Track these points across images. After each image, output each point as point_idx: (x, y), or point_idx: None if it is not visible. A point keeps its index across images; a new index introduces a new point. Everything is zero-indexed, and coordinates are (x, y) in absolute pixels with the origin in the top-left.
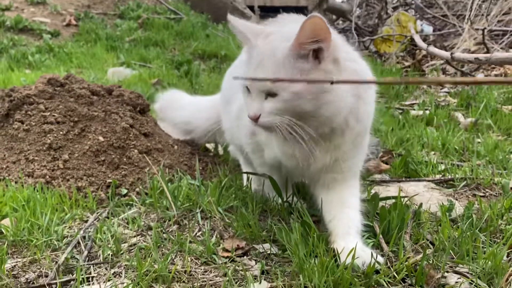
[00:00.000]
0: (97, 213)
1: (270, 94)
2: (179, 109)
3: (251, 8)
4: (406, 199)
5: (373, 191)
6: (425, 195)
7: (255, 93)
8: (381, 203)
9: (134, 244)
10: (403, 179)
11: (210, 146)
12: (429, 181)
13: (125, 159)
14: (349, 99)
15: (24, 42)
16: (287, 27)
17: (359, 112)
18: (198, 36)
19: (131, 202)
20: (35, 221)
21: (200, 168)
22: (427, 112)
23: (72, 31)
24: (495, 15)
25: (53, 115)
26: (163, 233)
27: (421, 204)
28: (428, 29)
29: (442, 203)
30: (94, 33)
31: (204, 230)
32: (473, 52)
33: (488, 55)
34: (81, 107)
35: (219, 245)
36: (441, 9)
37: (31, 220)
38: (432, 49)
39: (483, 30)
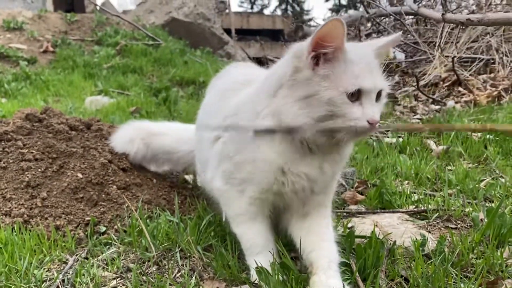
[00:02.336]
0: (76, 254)
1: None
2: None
3: (228, 31)
4: (381, 235)
5: (349, 225)
6: (400, 228)
7: (373, 98)
8: (357, 240)
9: (114, 287)
10: (378, 210)
11: (188, 177)
12: (403, 212)
13: (103, 196)
14: None
15: (0, 69)
16: None
17: None
18: (176, 62)
19: (109, 241)
20: (13, 265)
21: (179, 202)
22: (400, 140)
23: (49, 57)
24: (464, 42)
25: (31, 152)
26: (143, 275)
27: (395, 242)
28: (401, 56)
29: (416, 238)
30: (71, 60)
31: (183, 271)
32: (443, 79)
33: (480, 16)
34: (59, 143)
35: (199, 287)
36: (413, 36)
37: (9, 265)
38: (423, 10)
39: (453, 58)
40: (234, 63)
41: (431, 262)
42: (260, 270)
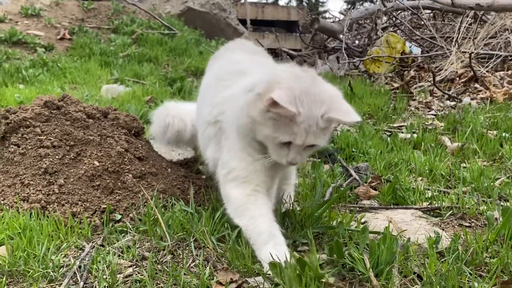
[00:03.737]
0: (92, 241)
1: (308, 146)
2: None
3: (243, 21)
4: (395, 232)
5: (362, 220)
6: (413, 225)
7: (300, 148)
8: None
9: (129, 275)
10: (391, 206)
11: (202, 168)
12: (416, 209)
13: (119, 184)
14: None
15: (18, 55)
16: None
17: None
18: (191, 52)
19: (125, 229)
20: (31, 250)
21: (193, 191)
22: (415, 135)
23: (66, 45)
24: (482, 38)
25: (49, 139)
26: (158, 264)
27: (409, 239)
28: (417, 50)
29: (429, 235)
30: (88, 48)
31: (198, 261)
32: (460, 75)
33: (490, 1)
34: (77, 130)
35: (213, 278)
36: (430, 31)
37: (28, 250)
38: None
39: (470, 54)
40: (231, 42)
41: (445, 260)
42: (274, 264)
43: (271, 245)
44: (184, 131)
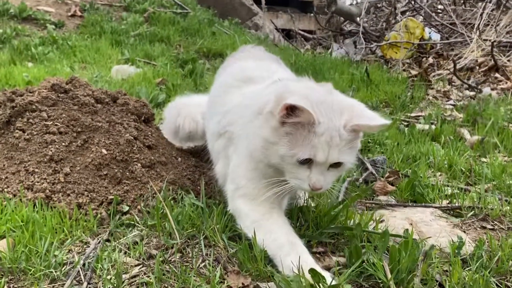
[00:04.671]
0: (98, 236)
1: (333, 166)
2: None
3: (256, 1)
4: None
5: (381, 219)
6: (433, 225)
7: (324, 167)
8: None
9: (136, 276)
10: (409, 203)
11: None
12: (436, 207)
13: (127, 174)
14: None
15: (28, 32)
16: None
17: None
18: (204, 33)
19: (132, 222)
20: (33, 247)
21: (204, 182)
22: (433, 127)
23: (76, 22)
24: (504, 25)
25: (56, 125)
26: (166, 263)
27: (432, 246)
28: (436, 37)
29: (452, 239)
30: (99, 26)
31: (208, 261)
32: (480, 64)
33: None
34: (84, 116)
35: (224, 281)
36: (450, 17)
37: (29, 246)
38: None
39: (492, 42)
40: (239, 51)
41: (469, 268)
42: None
43: (294, 256)
44: (195, 131)
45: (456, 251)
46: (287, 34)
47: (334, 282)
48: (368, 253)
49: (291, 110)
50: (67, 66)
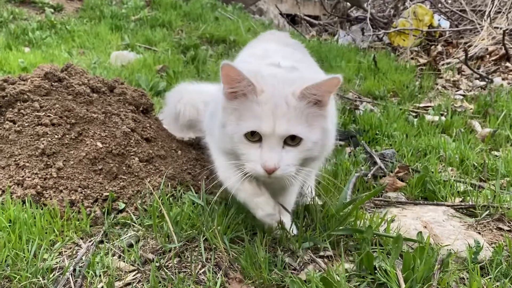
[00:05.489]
0: (91, 237)
1: (290, 144)
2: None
3: None
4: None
5: (387, 216)
6: (446, 226)
7: (274, 142)
8: None
9: (129, 284)
10: (420, 201)
11: None
12: (448, 206)
13: (124, 168)
14: None
15: (25, 15)
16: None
17: None
18: (207, 18)
19: (128, 222)
20: (20, 250)
21: (205, 177)
22: (443, 118)
23: (76, 6)
24: None
25: (48, 116)
26: (162, 269)
27: (449, 253)
28: (445, 24)
29: (468, 243)
30: (98, 10)
31: (208, 266)
32: (490, 52)
33: None
34: (79, 106)
35: None
36: (460, 3)
37: (15, 250)
38: None
39: (504, 31)
40: (268, 32)
41: (487, 276)
42: (294, 280)
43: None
44: (196, 119)
45: (473, 256)
46: (292, 19)
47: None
48: (379, 259)
49: (236, 82)
50: (65, 51)
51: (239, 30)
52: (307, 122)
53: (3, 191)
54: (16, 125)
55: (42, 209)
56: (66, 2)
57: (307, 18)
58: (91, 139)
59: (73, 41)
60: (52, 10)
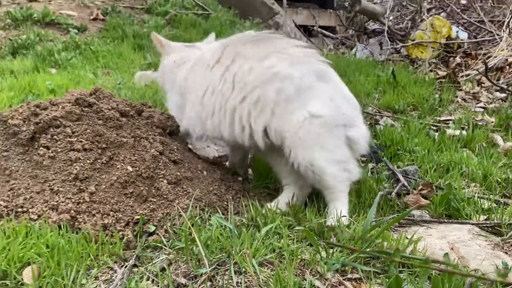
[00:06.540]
0: (125, 261)
1: None
2: None
3: None
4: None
5: (414, 235)
6: (472, 246)
7: None
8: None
9: None
10: (445, 219)
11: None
12: (473, 224)
13: (153, 191)
14: None
15: (51, 37)
16: None
17: None
18: (225, 35)
19: (159, 245)
20: (59, 277)
21: (230, 197)
22: (464, 132)
23: (99, 26)
24: None
25: (80, 141)
26: None
27: (479, 278)
28: (463, 35)
29: (495, 263)
30: (121, 30)
31: None
32: (510, 63)
33: None
34: (109, 131)
35: None
36: (478, 14)
37: (54, 277)
38: None
39: None
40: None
41: None
42: None
43: None
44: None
45: (502, 279)
46: (308, 31)
47: None
48: (407, 281)
49: None
50: (90, 72)
51: None
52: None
53: (39, 216)
54: (50, 151)
55: (77, 234)
56: (90, 23)
57: (324, 32)
58: (122, 163)
59: (97, 61)
60: (76, 31)
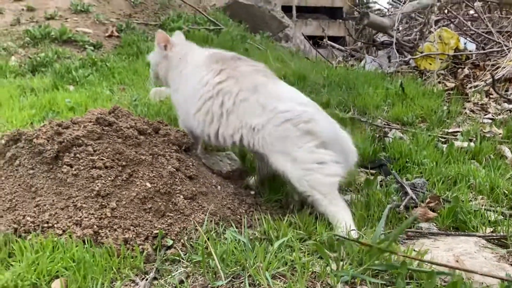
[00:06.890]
0: (145, 273)
1: None
2: None
3: (285, 8)
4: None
5: (421, 248)
6: (478, 258)
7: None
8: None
9: None
10: (452, 232)
11: (251, 181)
12: (479, 236)
13: (170, 206)
14: None
15: (68, 54)
16: None
17: None
18: (237, 49)
19: (177, 258)
20: None
21: (243, 211)
22: (472, 144)
23: (114, 42)
24: None
25: (101, 159)
26: None
27: None
28: (471, 46)
29: (501, 280)
30: (135, 46)
31: None
32: None
33: None
34: (128, 149)
35: None
36: (486, 25)
37: (81, 287)
38: None
39: None
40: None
41: None
42: None
43: None
44: None
45: None
46: (316, 42)
47: None
48: None
49: None
50: (106, 88)
51: (268, 60)
52: None
53: (64, 231)
54: (73, 169)
55: (100, 248)
56: (105, 39)
57: (334, 44)
58: (141, 180)
59: (113, 77)
60: (92, 48)
